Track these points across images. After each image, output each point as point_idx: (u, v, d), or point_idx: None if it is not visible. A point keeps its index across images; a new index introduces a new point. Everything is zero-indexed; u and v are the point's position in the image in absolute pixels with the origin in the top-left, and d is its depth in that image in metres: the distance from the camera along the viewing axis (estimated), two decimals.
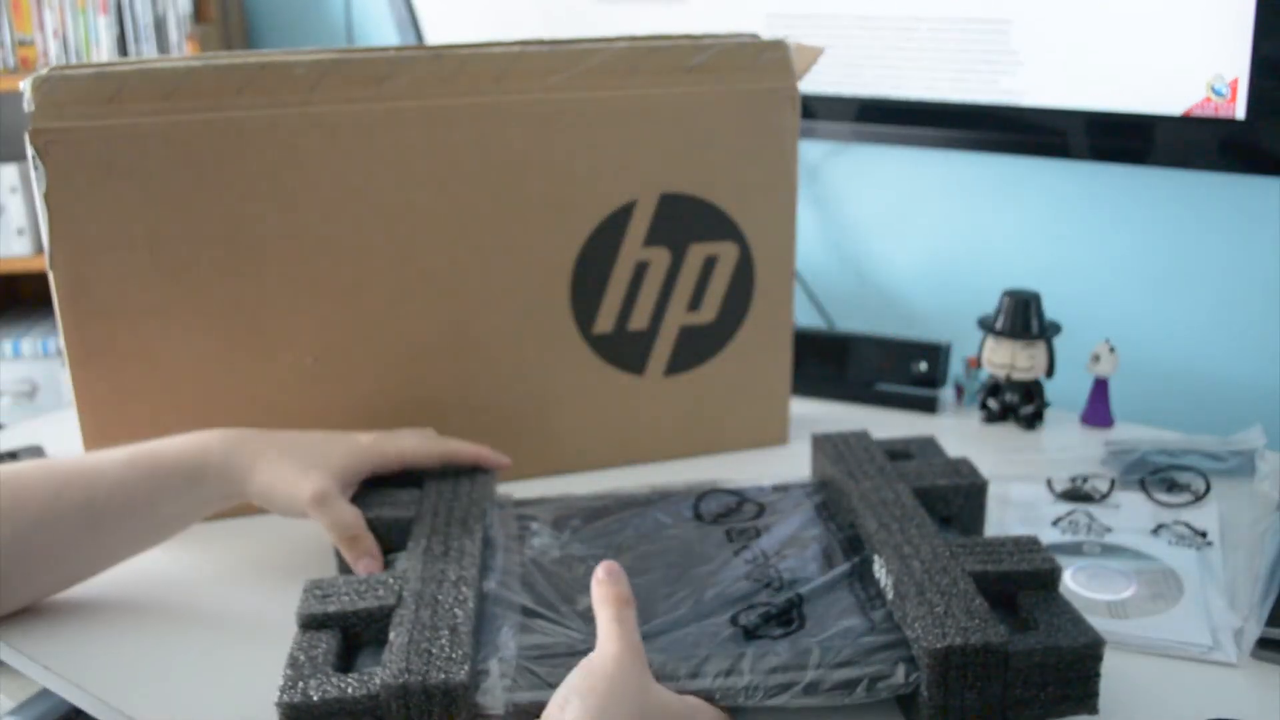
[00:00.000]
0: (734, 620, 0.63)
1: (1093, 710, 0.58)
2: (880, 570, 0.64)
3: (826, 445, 0.78)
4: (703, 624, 0.63)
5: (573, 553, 0.71)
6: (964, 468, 0.75)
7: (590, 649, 0.59)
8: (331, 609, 0.62)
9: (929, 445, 0.79)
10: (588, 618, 0.63)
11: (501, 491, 0.78)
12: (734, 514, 0.75)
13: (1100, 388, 0.98)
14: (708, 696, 0.58)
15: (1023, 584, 0.62)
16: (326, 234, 0.79)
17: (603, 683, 0.54)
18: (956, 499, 0.73)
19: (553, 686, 0.56)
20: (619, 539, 0.72)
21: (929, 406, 1.02)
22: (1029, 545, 0.64)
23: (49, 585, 0.71)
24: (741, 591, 0.65)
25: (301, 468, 0.71)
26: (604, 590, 0.59)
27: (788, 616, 0.63)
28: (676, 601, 0.65)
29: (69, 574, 0.71)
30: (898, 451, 0.78)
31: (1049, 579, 0.62)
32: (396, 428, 0.80)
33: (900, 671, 0.57)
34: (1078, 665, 0.57)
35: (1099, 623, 0.67)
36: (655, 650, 0.60)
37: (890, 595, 0.62)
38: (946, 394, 1.04)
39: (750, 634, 0.62)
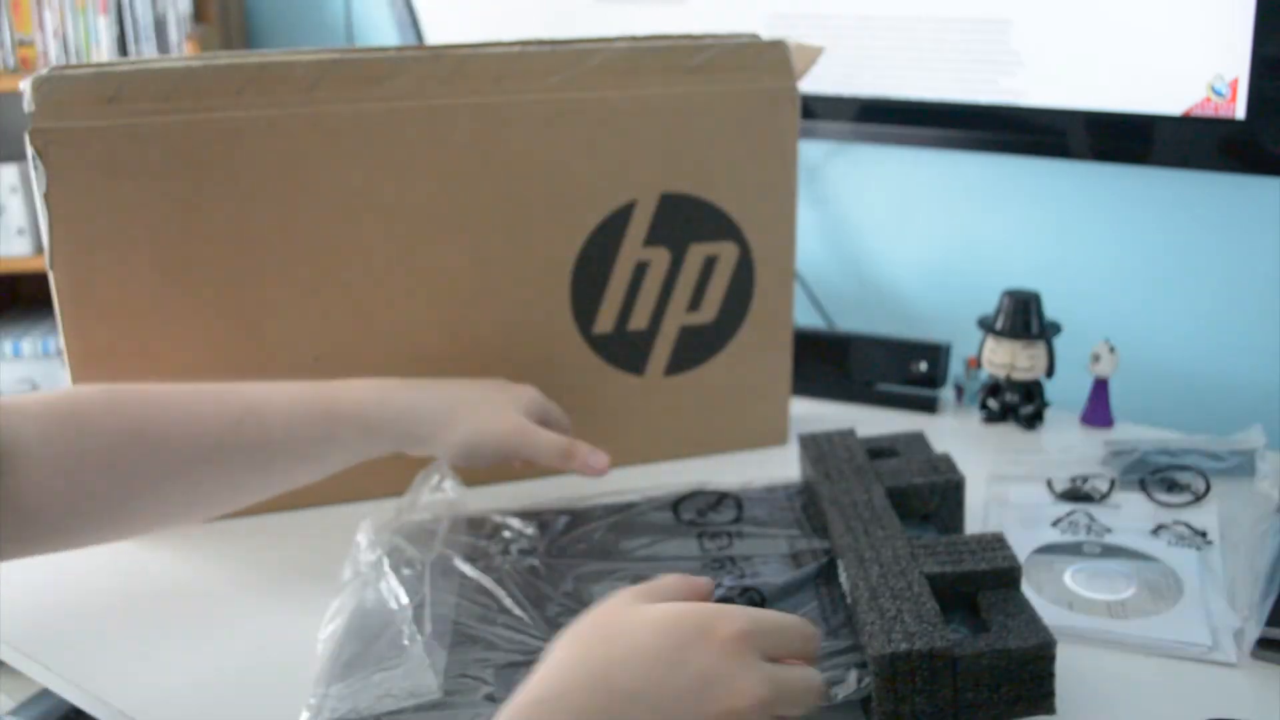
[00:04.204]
0: None
1: (1049, 710, 0.57)
2: (842, 575, 0.64)
3: (810, 445, 0.78)
4: None
5: (548, 561, 0.71)
6: (942, 464, 0.74)
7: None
8: None
9: (915, 441, 0.78)
10: (555, 624, 0.64)
11: (487, 503, 0.78)
12: (712, 512, 0.74)
13: (1100, 388, 0.98)
14: None
15: (983, 583, 0.61)
16: (326, 234, 0.79)
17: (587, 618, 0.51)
18: (933, 497, 0.72)
19: (480, 680, 0.59)
20: (596, 547, 0.72)
21: (929, 406, 1.02)
22: (991, 544, 0.63)
23: (198, 513, 0.71)
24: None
25: (494, 412, 0.73)
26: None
27: None
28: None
29: (219, 504, 0.71)
30: (883, 449, 0.78)
31: (1009, 577, 0.61)
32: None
33: (852, 677, 0.57)
34: (1029, 666, 0.56)
35: (1099, 623, 0.68)
36: None
37: (849, 600, 0.62)
38: (946, 394, 1.04)
39: None
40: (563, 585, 0.68)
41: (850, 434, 0.79)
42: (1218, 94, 0.93)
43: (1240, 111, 0.92)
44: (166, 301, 0.77)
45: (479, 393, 0.75)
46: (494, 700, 0.58)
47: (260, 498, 0.72)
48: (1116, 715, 0.60)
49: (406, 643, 0.61)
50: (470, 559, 0.70)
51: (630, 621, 0.48)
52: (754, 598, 0.64)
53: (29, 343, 2.07)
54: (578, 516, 0.75)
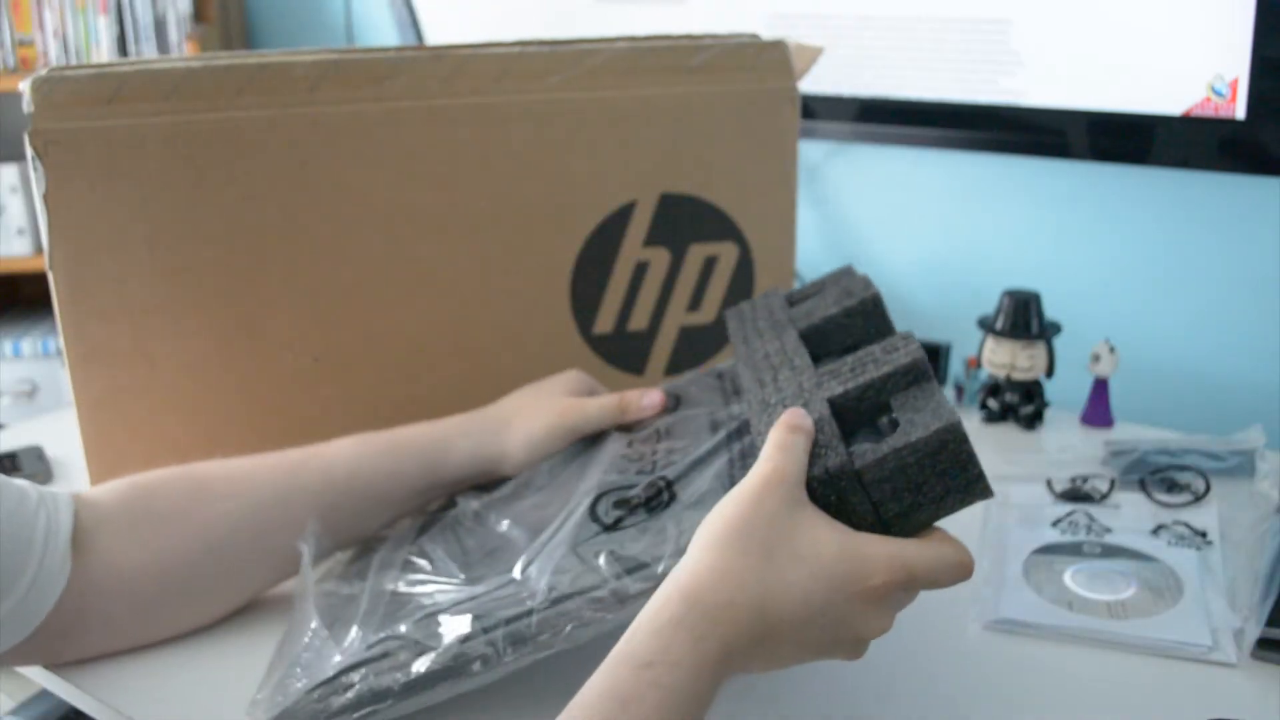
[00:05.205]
0: (593, 513, 0.61)
1: (986, 494, 0.52)
2: (754, 429, 0.60)
3: (733, 316, 0.73)
4: (568, 525, 0.61)
5: (488, 505, 0.70)
6: (858, 287, 0.67)
7: (462, 599, 0.60)
8: None
9: (842, 276, 0.72)
10: (483, 563, 0.64)
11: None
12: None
13: (1100, 388, 0.98)
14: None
15: (893, 389, 0.56)
16: (326, 234, 0.79)
17: (727, 507, 0.52)
18: (854, 323, 0.66)
19: (400, 639, 0.59)
20: (536, 474, 0.71)
21: None
22: (896, 345, 0.58)
23: (274, 573, 0.70)
24: (610, 481, 0.64)
25: (541, 405, 0.73)
26: (781, 420, 0.56)
27: (656, 500, 0.61)
28: (555, 511, 0.64)
29: (287, 559, 0.69)
30: (808, 293, 0.73)
31: (914, 372, 0.56)
32: (397, 427, 0.80)
33: None
34: (941, 455, 0.51)
35: (1099, 623, 0.68)
36: (526, 579, 0.59)
37: (759, 448, 0.57)
38: (946, 394, 1.04)
39: (610, 529, 0.60)
40: (498, 527, 0.67)
41: (774, 293, 0.74)
42: (1218, 94, 0.93)
43: (1240, 111, 0.92)
44: (166, 301, 0.77)
45: (524, 396, 0.76)
46: (421, 654, 0.58)
47: (332, 546, 0.71)
48: (1116, 715, 0.60)
49: (309, 638, 0.62)
50: (421, 530, 0.71)
51: (791, 544, 0.51)
52: (658, 484, 0.62)
53: (29, 343, 2.07)
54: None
